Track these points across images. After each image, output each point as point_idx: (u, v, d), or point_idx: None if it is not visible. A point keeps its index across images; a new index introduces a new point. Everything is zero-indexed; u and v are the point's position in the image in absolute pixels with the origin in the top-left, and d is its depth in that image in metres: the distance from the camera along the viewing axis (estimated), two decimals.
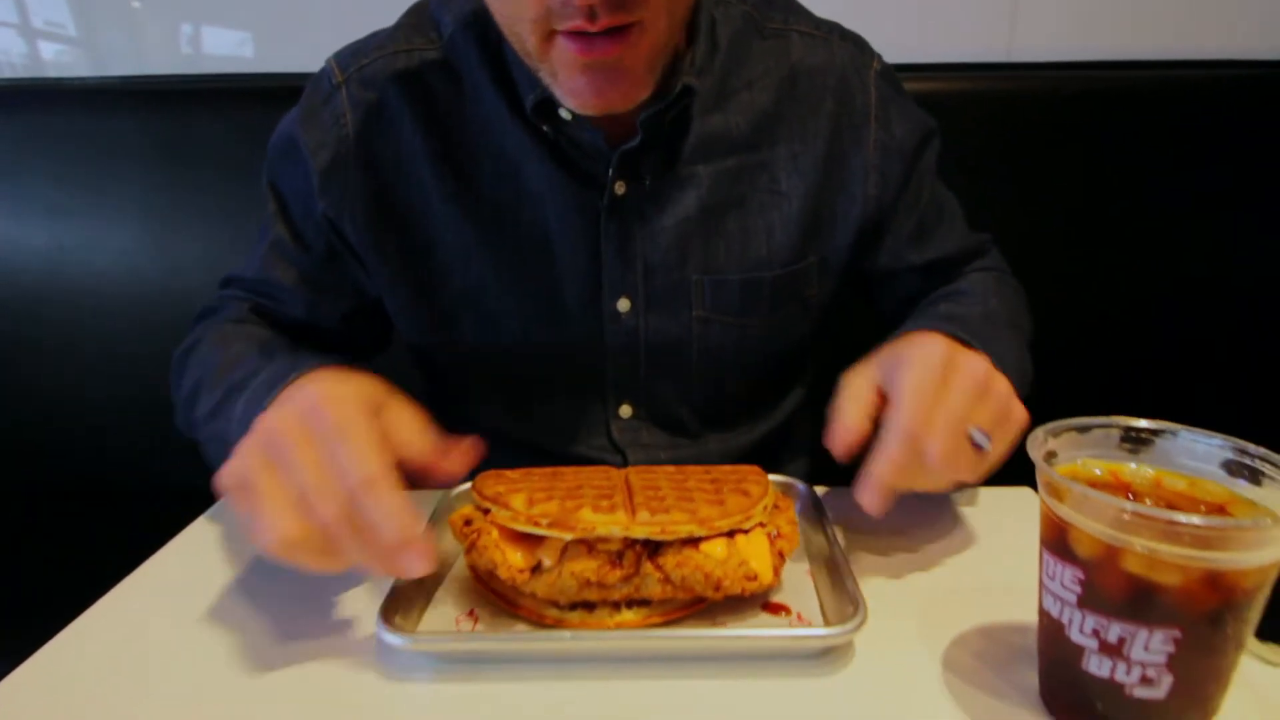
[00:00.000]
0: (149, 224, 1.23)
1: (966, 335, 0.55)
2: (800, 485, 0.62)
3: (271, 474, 0.43)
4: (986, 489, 0.66)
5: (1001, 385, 0.51)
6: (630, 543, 0.47)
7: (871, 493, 0.48)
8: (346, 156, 0.67)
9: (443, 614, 0.50)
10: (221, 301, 0.74)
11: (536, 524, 0.46)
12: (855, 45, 0.74)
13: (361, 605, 0.52)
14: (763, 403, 0.79)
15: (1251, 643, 0.46)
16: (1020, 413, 0.52)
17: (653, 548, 0.47)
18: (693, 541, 0.47)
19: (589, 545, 0.47)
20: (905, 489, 0.49)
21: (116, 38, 1.34)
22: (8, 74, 1.35)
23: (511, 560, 0.46)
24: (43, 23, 1.35)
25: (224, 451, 0.55)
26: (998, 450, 0.50)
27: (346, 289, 0.72)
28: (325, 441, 0.43)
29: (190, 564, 0.59)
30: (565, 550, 0.47)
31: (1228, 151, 1.20)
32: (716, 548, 0.47)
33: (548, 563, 0.47)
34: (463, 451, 0.47)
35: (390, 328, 0.76)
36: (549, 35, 0.53)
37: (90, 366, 1.24)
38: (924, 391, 0.48)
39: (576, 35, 0.52)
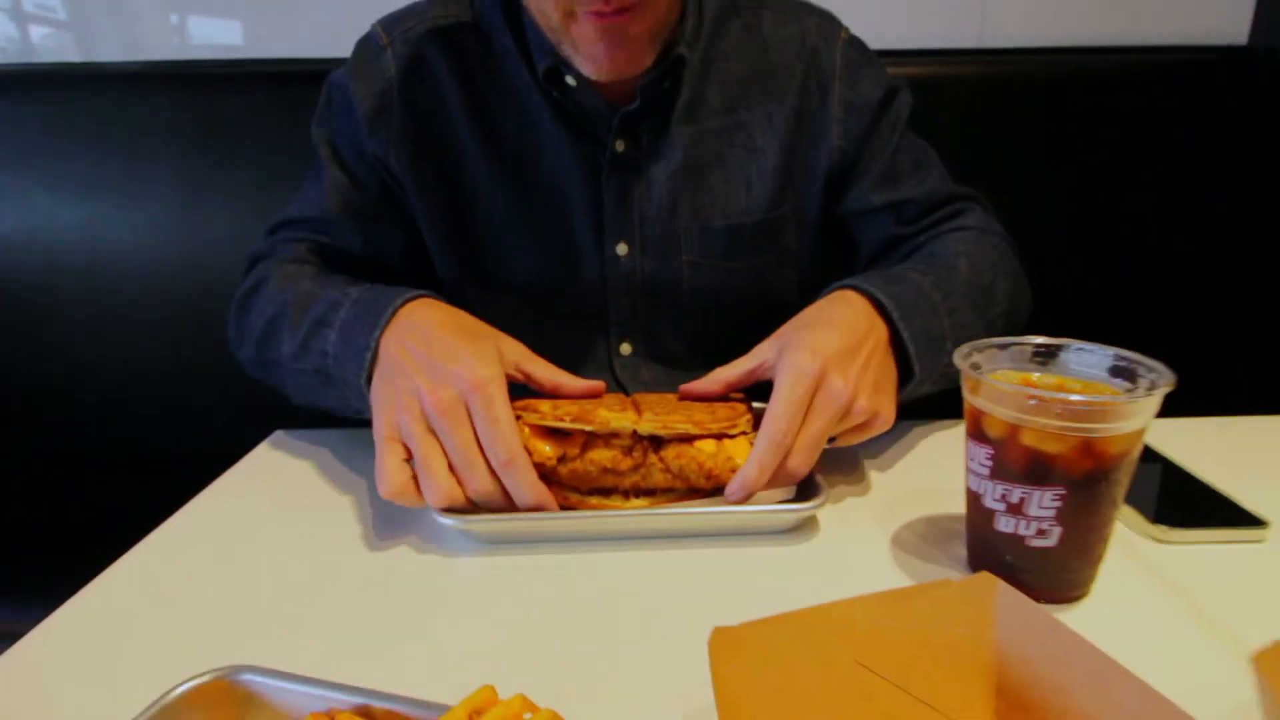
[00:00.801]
0: (179, 198, 1.32)
1: (896, 310, 0.63)
2: None
3: (433, 444, 0.55)
4: (941, 424, 0.76)
5: (863, 404, 0.57)
6: (638, 439, 0.57)
7: (741, 489, 0.56)
8: (391, 103, 0.77)
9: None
10: (274, 245, 0.81)
11: (561, 420, 0.56)
12: (823, 18, 0.84)
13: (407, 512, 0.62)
14: (753, 343, 0.89)
15: (1144, 524, 0.57)
16: (882, 420, 0.60)
17: (656, 444, 0.57)
18: (689, 439, 0.57)
19: (605, 440, 0.57)
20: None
21: (106, 24, 1.42)
22: (45, 58, 1.43)
23: (542, 450, 0.56)
24: (34, 6, 1.43)
25: (315, 382, 0.66)
26: (861, 438, 0.61)
27: (400, 222, 0.81)
28: (479, 422, 0.55)
29: (245, 494, 0.69)
30: (586, 443, 0.57)
31: (1184, 129, 1.30)
32: (708, 445, 0.57)
33: (572, 453, 0.57)
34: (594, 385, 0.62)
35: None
36: (571, 14, 0.64)
37: (124, 333, 1.33)
38: (793, 411, 0.56)
39: (593, 13, 0.63)
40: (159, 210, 1.32)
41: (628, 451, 0.57)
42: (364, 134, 0.77)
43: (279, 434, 0.77)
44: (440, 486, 0.54)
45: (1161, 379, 0.46)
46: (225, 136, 1.32)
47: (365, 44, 0.80)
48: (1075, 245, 1.29)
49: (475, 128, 0.77)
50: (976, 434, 0.48)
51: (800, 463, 0.56)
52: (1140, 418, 0.45)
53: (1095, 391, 0.50)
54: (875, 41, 1.36)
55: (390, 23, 0.80)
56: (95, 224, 1.32)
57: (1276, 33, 1.33)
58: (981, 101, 1.30)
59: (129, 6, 1.41)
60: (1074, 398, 0.44)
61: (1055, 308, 1.19)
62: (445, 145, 0.78)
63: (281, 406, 0.82)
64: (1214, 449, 0.69)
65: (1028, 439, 0.45)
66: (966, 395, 0.49)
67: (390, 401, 0.57)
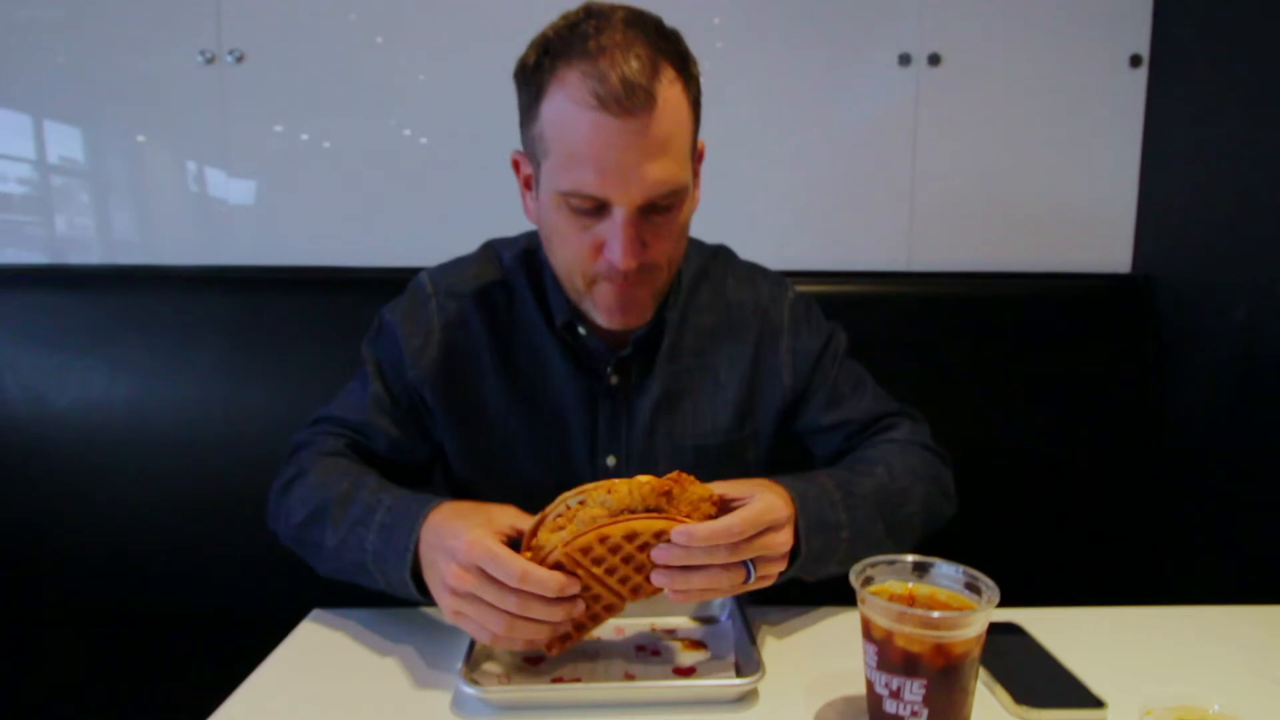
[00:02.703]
0: (221, 383, 1.51)
1: (798, 500, 0.80)
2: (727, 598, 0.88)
3: (478, 605, 0.72)
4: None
5: (770, 568, 0.75)
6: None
7: (683, 533, 0.70)
8: (431, 345, 0.96)
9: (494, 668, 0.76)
10: (315, 436, 0.97)
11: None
12: (774, 283, 1.05)
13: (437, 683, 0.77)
14: None
15: (1010, 703, 0.73)
16: (773, 569, 0.76)
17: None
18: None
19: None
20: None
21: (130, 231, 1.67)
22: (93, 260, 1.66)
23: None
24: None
25: (350, 568, 0.84)
26: (761, 584, 0.75)
27: (425, 436, 0.99)
28: (487, 568, 0.71)
29: (296, 669, 0.83)
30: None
31: (1081, 343, 1.55)
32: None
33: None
34: None
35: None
36: (593, 281, 0.85)
37: (163, 500, 1.48)
38: (753, 521, 0.72)
39: (611, 281, 0.84)
40: (202, 393, 1.51)
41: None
42: (406, 365, 0.96)
43: (317, 612, 0.92)
44: (494, 630, 0.71)
45: (994, 595, 0.64)
46: (264, 331, 1.53)
47: (416, 291, 1.00)
48: (990, 444, 1.50)
49: (497, 364, 0.96)
50: (867, 635, 0.66)
51: (724, 559, 0.71)
52: (976, 627, 0.62)
53: (956, 600, 0.68)
54: (820, 264, 1.63)
55: (437, 276, 1.00)
56: (145, 403, 1.51)
57: (1153, 264, 1.60)
58: (909, 316, 1.55)
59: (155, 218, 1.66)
60: (935, 614, 0.62)
61: (975, 500, 1.37)
62: (472, 379, 0.97)
63: (299, 571, 0.95)
64: (1086, 636, 0.85)
65: (899, 641, 0.63)
66: (859, 605, 0.67)
67: (436, 590, 0.76)
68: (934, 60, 1.57)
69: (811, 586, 0.85)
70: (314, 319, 1.54)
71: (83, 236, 1.66)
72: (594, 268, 0.83)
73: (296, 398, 1.48)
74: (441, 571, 0.73)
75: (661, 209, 0.81)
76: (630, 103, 0.74)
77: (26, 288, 1.55)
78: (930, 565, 0.70)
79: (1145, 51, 1.58)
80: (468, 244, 1.05)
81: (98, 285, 1.57)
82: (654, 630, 0.87)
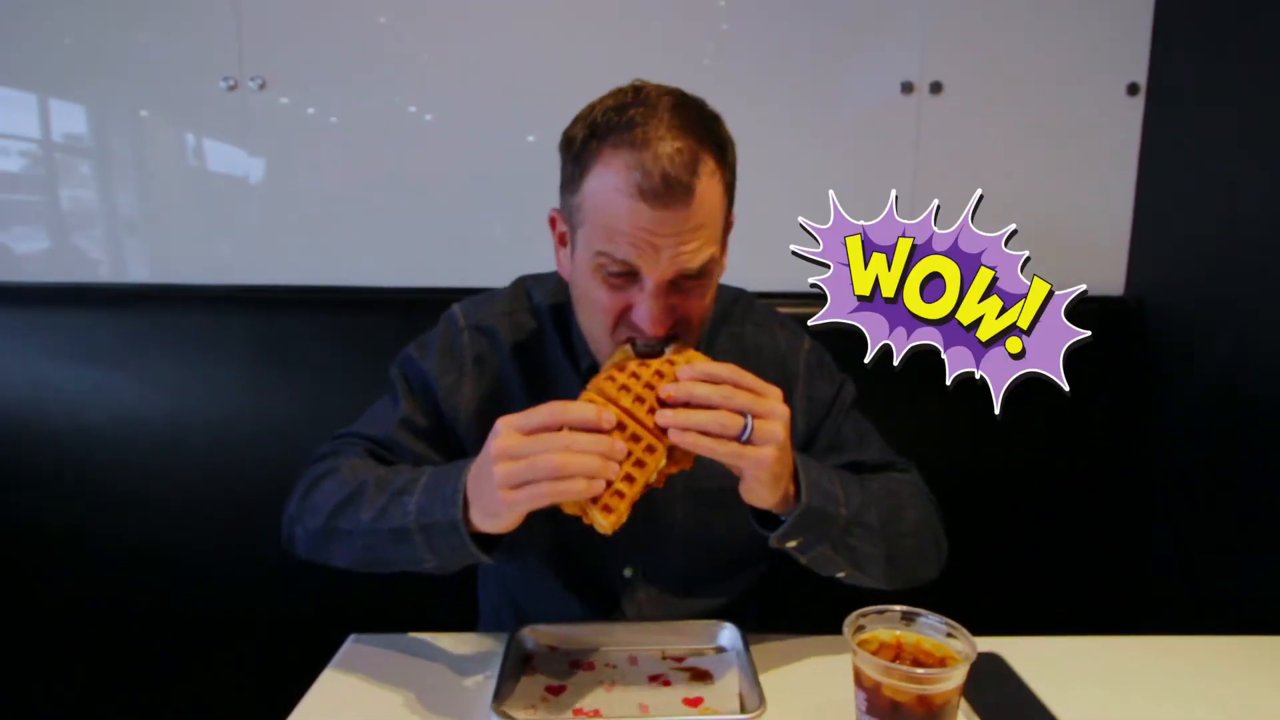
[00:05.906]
0: (248, 398, 1.59)
1: (798, 457, 0.86)
2: (732, 629, 0.96)
3: (528, 462, 0.75)
4: None
5: (767, 444, 0.79)
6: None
7: (689, 367, 0.80)
8: (463, 381, 1.01)
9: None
10: (340, 447, 1.00)
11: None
12: (790, 331, 1.08)
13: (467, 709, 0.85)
14: (725, 574, 1.09)
15: None
16: (769, 448, 0.80)
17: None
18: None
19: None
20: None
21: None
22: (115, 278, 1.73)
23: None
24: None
25: (388, 540, 0.87)
26: (757, 455, 0.79)
27: (452, 457, 0.99)
28: (531, 422, 0.77)
29: (339, 699, 0.91)
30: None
31: (1073, 364, 1.60)
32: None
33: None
34: None
35: None
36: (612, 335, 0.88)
37: (191, 510, 1.57)
38: (720, 366, 0.81)
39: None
40: (231, 408, 1.59)
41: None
42: (440, 399, 1.01)
43: (355, 637, 0.99)
44: (548, 471, 0.74)
45: (972, 650, 0.72)
46: (289, 348, 1.60)
47: (448, 323, 1.04)
48: (976, 460, 1.55)
49: (525, 400, 0.97)
50: (857, 682, 0.73)
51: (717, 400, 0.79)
52: (955, 679, 0.70)
53: (940, 650, 0.75)
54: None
55: (469, 308, 1.05)
56: (177, 418, 1.58)
57: (1146, 286, 1.66)
58: None
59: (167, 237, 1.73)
60: (919, 671, 0.69)
61: (961, 520, 1.41)
62: (501, 413, 0.89)
63: (324, 577, 1.01)
64: (1062, 667, 0.92)
65: (886, 691, 0.70)
66: (853, 658, 0.74)
67: (489, 493, 0.77)
68: (935, 88, 1.62)
69: (811, 612, 0.92)
70: (337, 337, 1.60)
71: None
72: (623, 330, 0.87)
73: (320, 411, 1.54)
74: (488, 466, 0.76)
75: (691, 277, 0.86)
76: (670, 197, 0.79)
77: (63, 307, 1.62)
78: (916, 615, 0.77)
79: (1143, 80, 1.62)
80: (491, 271, 1.08)
81: (131, 305, 1.64)
82: (664, 657, 0.95)
